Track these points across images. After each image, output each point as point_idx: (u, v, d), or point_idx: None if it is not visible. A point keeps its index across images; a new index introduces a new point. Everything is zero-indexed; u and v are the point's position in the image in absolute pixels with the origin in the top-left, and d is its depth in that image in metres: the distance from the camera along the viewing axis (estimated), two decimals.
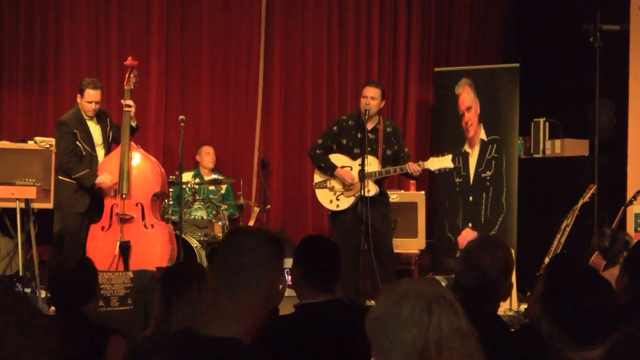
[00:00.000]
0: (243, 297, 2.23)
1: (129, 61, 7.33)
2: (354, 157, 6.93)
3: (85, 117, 6.99)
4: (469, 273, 2.88)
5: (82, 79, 7.14)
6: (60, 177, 6.95)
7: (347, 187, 6.92)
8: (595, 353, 2.24)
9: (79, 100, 6.98)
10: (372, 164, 6.84)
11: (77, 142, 6.88)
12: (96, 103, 6.99)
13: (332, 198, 6.99)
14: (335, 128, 7.10)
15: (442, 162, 6.89)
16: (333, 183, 6.99)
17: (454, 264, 3.04)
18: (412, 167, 6.83)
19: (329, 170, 6.98)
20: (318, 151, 7.05)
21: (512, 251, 7.27)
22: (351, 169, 6.91)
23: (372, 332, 1.79)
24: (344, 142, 7.00)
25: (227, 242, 2.34)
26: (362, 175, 6.63)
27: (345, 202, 6.92)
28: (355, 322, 3.06)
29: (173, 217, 7.55)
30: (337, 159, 6.98)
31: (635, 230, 7.60)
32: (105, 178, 6.86)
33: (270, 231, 2.44)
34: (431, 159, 6.96)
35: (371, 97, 6.92)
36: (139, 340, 3.18)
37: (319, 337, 3.08)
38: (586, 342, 2.26)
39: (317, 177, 7.09)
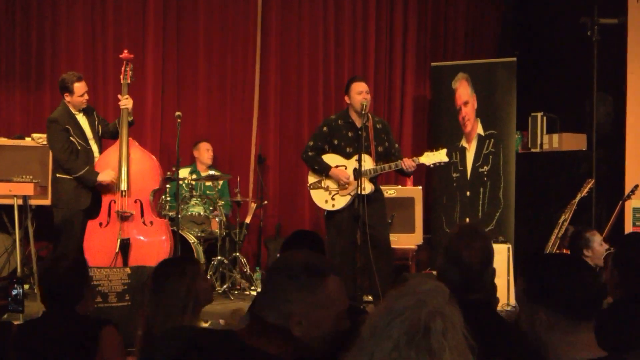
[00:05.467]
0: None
1: (125, 54, 7.19)
2: (347, 156, 6.86)
3: (74, 112, 6.92)
4: (451, 269, 2.91)
5: (61, 78, 6.96)
6: (58, 175, 6.85)
7: (342, 186, 6.86)
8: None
9: (68, 98, 6.83)
10: (367, 162, 6.78)
11: (71, 138, 6.81)
12: (87, 94, 6.92)
13: (327, 198, 6.91)
14: (325, 129, 7.00)
15: (436, 157, 6.83)
16: (328, 183, 6.92)
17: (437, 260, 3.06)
18: (407, 163, 6.76)
19: (324, 171, 6.89)
20: (310, 153, 6.96)
21: (508, 246, 7.26)
22: (346, 168, 6.86)
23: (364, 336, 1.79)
24: (336, 142, 6.90)
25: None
26: (359, 173, 6.59)
27: (341, 202, 6.86)
28: None
29: (170, 213, 7.54)
30: (330, 158, 6.91)
31: (634, 224, 7.61)
32: (107, 176, 6.81)
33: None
34: (426, 153, 6.90)
35: (366, 92, 6.87)
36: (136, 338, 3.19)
37: None
38: (583, 315, 2.27)
39: (312, 178, 7.00)
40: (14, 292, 3.66)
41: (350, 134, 6.87)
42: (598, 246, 5.50)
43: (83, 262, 3.59)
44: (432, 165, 6.91)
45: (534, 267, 2.42)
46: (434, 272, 7.20)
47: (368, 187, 6.75)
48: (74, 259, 3.57)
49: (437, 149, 6.91)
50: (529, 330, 2.34)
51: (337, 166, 6.87)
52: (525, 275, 2.42)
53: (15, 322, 3.87)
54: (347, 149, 6.86)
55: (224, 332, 2.20)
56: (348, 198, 6.80)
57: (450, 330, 1.75)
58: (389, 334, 1.71)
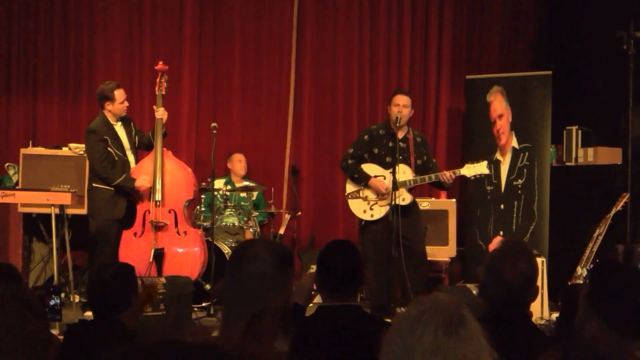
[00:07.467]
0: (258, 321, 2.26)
1: (160, 66, 7.29)
2: (386, 167, 6.87)
3: (112, 123, 7.02)
4: (493, 285, 2.87)
5: (99, 89, 7.08)
6: (94, 185, 6.95)
7: (380, 196, 6.87)
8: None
9: (109, 107, 6.94)
10: (406, 173, 6.80)
11: (109, 148, 6.91)
12: (126, 100, 7.06)
13: (365, 208, 6.92)
14: (366, 137, 7.05)
15: (477, 169, 6.84)
16: (366, 193, 6.92)
17: (480, 273, 3.03)
18: (446, 175, 6.77)
19: (363, 180, 6.90)
20: (350, 161, 6.98)
21: (542, 260, 7.21)
22: (384, 179, 6.86)
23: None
24: (376, 151, 6.95)
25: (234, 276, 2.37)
26: (394, 184, 6.61)
27: (380, 212, 6.86)
28: (366, 331, 3.08)
29: (205, 224, 7.60)
30: (369, 168, 6.93)
31: None
32: (143, 181, 6.91)
33: (274, 250, 2.44)
34: (466, 165, 6.92)
35: (403, 105, 6.90)
36: None
37: (328, 340, 3.11)
38: (635, 336, 2.27)
39: (350, 187, 7.01)
40: (52, 302, 3.70)
41: (390, 144, 6.89)
42: None
43: (130, 270, 3.60)
44: (472, 177, 6.93)
45: (602, 275, 2.43)
46: (467, 285, 7.20)
47: (407, 198, 6.79)
48: (121, 265, 3.60)
49: (477, 161, 6.92)
50: (578, 334, 2.35)
51: (376, 176, 6.89)
52: (592, 279, 2.43)
53: (53, 331, 3.93)
54: (387, 159, 6.88)
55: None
56: (387, 208, 6.80)
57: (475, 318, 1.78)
58: (422, 332, 1.71)
